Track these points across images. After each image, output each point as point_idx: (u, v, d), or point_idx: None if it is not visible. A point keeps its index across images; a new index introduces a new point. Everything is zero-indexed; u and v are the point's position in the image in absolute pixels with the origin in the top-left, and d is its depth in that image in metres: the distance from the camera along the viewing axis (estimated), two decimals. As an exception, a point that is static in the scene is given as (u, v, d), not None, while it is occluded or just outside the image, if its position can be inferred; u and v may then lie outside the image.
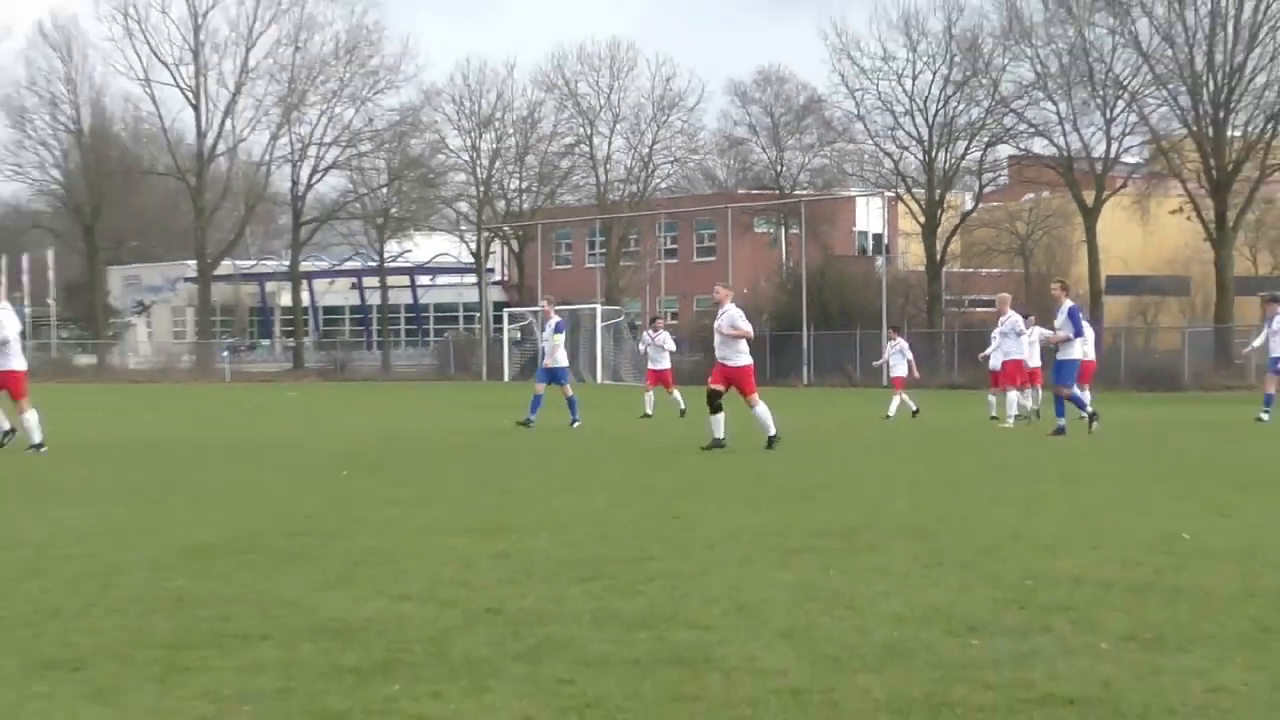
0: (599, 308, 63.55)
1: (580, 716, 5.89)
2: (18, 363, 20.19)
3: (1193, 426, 28.26)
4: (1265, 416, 25.98)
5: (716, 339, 20.25)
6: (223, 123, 73.94)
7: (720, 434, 19.74)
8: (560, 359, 26.34)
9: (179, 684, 6.35)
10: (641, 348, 35.41)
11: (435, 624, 7.69)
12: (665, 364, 30.81)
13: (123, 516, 12.56)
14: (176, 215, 79.77)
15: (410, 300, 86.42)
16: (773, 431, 19.92)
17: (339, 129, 73.71)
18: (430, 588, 8.79)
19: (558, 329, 26.37)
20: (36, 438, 19.84)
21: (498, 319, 71.61)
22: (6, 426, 20.54)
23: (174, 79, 73.54)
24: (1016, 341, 26.36)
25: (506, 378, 65.29)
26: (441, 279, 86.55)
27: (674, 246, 74.45)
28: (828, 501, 13.83)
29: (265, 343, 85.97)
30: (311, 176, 74.51)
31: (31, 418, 20.03)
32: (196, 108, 73.60)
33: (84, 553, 10.19)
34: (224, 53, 73.68)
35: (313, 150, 73.98)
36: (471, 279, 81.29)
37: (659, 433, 25.14)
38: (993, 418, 27.44)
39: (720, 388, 19.84)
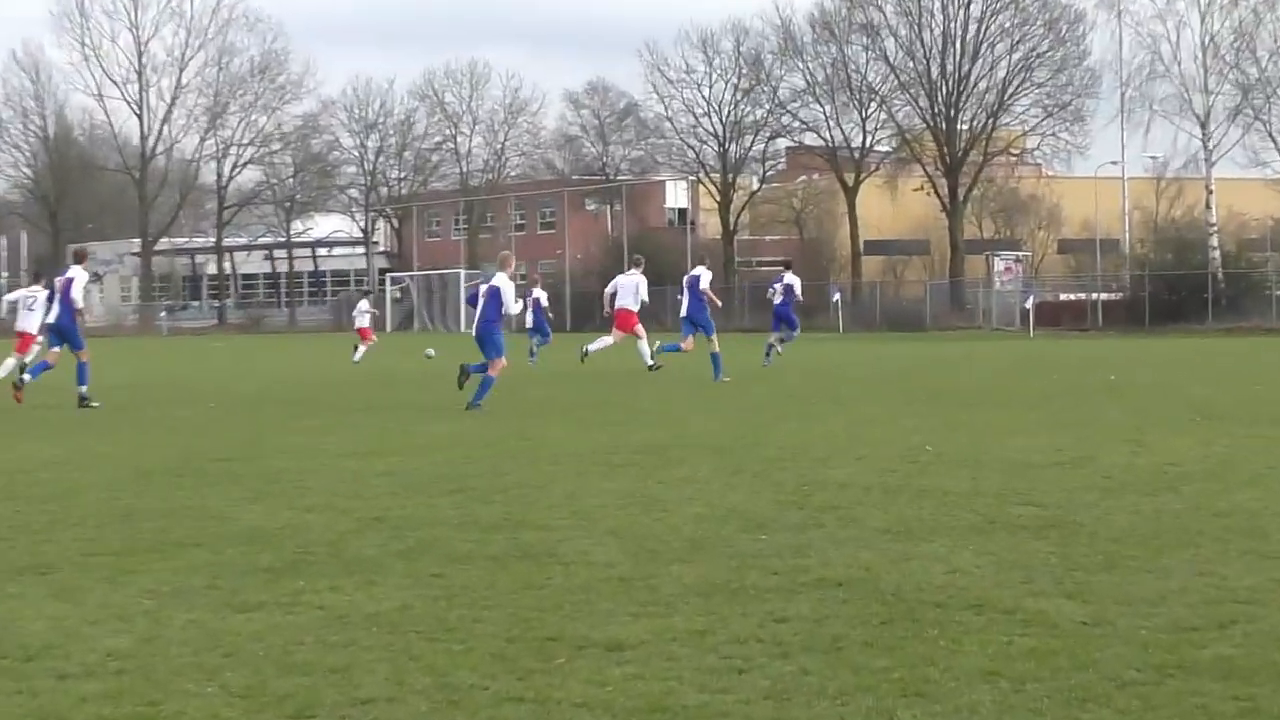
0: (462, 272, 70.14)
1: (449, 604, 6.20)
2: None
3: (931, 359, 29.87)
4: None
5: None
6: (161, 128, 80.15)
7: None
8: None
9: (127, 584, 6.73)
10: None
11: (333, 530, 8.17)
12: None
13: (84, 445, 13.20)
14: (124, 203, 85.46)
15: (312, 268, 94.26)
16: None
17: (254, 132, 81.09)
18: (329, 500, 9.35)
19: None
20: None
21: (382, 282, 79.21)
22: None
23: (121, 94, 79.74)
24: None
25: (388, 329, 68.47)
26: (337, 251, 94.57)
27: (522, 222, 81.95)
28: (646, 424, 14.56)
29: (196, 304, 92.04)
30: (232, 170, 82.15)
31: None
32: (140, 117, 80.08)
33: (50, 477, 10.82)
34: (161, 72, 79.57)
35: (233, 150, 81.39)
36: (361, 250, 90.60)
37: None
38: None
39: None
